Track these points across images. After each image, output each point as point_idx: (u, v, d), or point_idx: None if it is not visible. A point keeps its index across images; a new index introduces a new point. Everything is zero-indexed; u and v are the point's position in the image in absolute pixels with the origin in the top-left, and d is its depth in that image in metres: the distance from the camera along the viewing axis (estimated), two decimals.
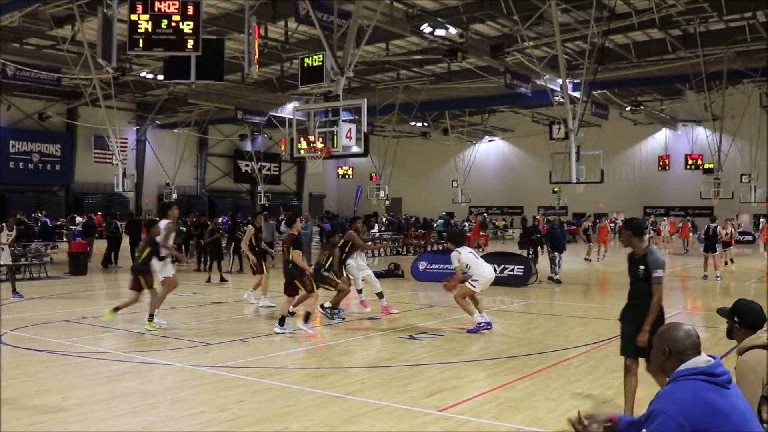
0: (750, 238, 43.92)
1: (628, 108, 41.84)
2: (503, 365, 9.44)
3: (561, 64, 24.31)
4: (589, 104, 30.23)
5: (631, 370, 6.79)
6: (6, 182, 48.06)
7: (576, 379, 8.48)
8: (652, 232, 50.68)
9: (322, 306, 13.21)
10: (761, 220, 41.43)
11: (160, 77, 30.83)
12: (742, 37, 27.74)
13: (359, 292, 14.65)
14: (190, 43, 13.87)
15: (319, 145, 18.04)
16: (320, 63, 18.89)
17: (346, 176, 56.13)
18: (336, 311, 13.32)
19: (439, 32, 25.75)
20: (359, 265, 14.44)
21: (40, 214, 39.89)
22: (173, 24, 13.77)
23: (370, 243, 13.56)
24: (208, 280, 20.09)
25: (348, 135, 17.67)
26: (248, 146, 56.55)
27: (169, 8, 13.75)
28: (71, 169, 51.34)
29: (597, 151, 27.61)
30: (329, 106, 18.84)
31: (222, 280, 20.06)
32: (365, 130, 18.23)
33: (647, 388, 7.85)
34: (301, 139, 18.80)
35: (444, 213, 46.67)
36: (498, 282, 19.36)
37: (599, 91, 35.17)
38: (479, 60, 30.42)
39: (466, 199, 51.89)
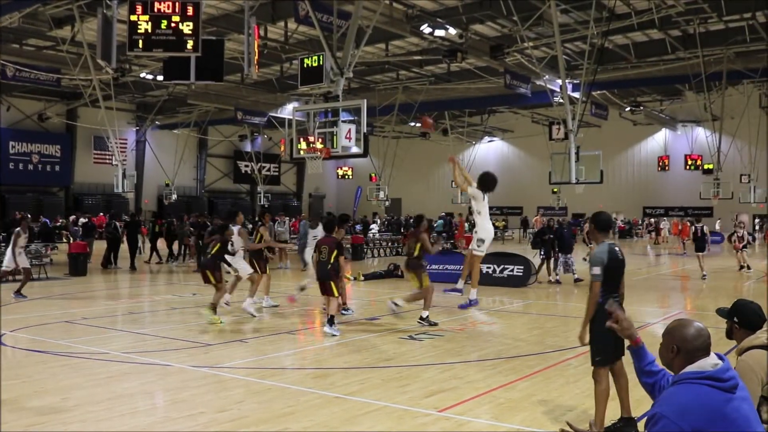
0: (749, 238, 43.90)
1: (628, 108, 41.86)
2: (502, 366, 9.44)
3: (560, 64, 24.30)
4: (589, 105, 30.24)
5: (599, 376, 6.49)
6: (6, 183, 48.00)
7: (575, 380, 8.48)
8: (651, 233, 51.01)
9: (421, 318, 12.84)
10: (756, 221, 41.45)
11: (160, 78, 30.82)
12: (741, 37, 27.74)
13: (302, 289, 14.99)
14: (190, 44, 13.86)
15: (319, 145, 18.02)
16: (320, 63, 18.88)
17: (346, 177, 56.11)
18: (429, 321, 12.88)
19: (439, 33, 25.75)
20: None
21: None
22: (173, 25, 13.76)
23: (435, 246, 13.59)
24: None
25: (348, 135, 17.66)
26: (248, 147, 56.54)
27: (168, 9, 13.74)
28: (71, 169, 51.31)
29: (596, 152, 27.57)
30: (329, 107, 18.82)
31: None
32: (365, 131, 18.21)
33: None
34: (301, 139, 18.78)
35: (444, 213, 46.64)
36: (497, 282, 19.48)
37: (599, 92, 35.19)
38: (479, 60, 30.43)
39: (465, 200, 51.76)
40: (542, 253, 21.33)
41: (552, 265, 20.89)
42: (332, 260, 11.84)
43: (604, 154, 29.06)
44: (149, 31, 13.77)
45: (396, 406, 7.37)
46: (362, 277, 21.26)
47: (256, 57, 17.45)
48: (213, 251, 13.25)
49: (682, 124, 51.88)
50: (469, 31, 27.17)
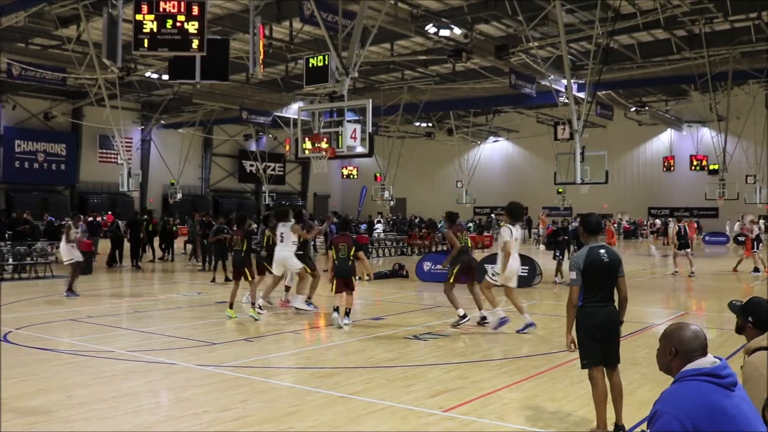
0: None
1: (633, 109, 41.77)
2: (507, 366, 9.43)
3: (566, 64, 24.27)
4: (594, 105, 30.19)
5: (595, 378, 6.46)
6: (11, 181, 48.21)
7: (580, 380, 8.43)
8: (653, 233, 50.93)
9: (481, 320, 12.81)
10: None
11: (165, 77, 30.84)
12: (747, 37, 27.66)
13: (287, 289, 15.19)
14: (195, 43, 13.87)
15: (324, 145, 18.02)
16: (325, 63, 18.90)
17: (351, 176, 56.15)
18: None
19: (444, 33, 25.73)
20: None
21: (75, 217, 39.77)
22: (178, 24, 13.77)
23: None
24: (213, 280, 20.13)
25: (353, 135, 17.65)
26: (253, 146, 56.59)
27: (174, 8, 13.75)
28: (76, 168, 51.41)
29: (602, 152, 27.53)
30: (334, 107, 18.82)
31: (227, 279, 20.05)
32: (370, 131, 18.21)
33: (652, 388, 7.85)
34: (306, 139, 18.79)
35: None
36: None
37: (604, 92, 35.12)
38: (484, 60, 30.41)
39: (470, 200, 51.86)
40: (557, 254, 21.14)
41: (558, 268, 20.80)
42: (351, 257, 12.59)
43: (610, 154, 29.07)
44: (155, 30, 13.78)
45: (400, 406, 7.36)
46: (368, 278, 21.21)
47: (261, 56, 17.45)
48: (244, 248, 13.53)
49: (688, 124, 51.77)
50: (474, 31, 27.14)
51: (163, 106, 44.97)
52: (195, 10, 13.82)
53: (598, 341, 6.37)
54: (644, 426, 6.67)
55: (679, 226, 24.33)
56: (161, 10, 13.73)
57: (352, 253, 12.64)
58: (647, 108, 42.66)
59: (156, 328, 12.57)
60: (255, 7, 17.88)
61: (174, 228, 29.91)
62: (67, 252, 16.91)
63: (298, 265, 13.91)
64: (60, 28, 27.12)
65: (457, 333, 12.00)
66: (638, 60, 30.57)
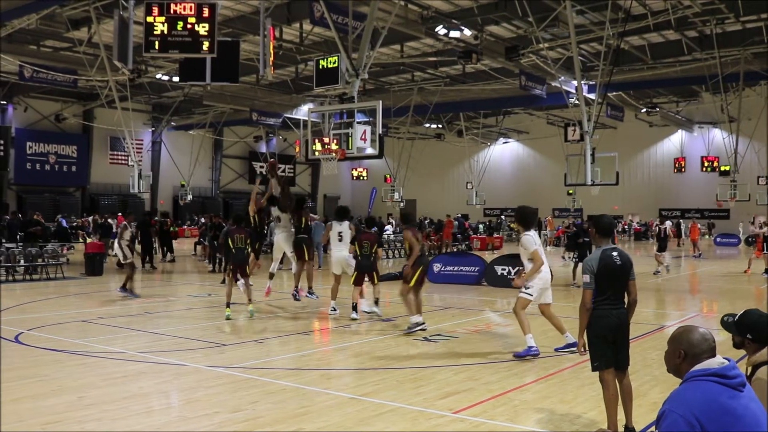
0: None
1: (644, 110, 41.67)
2: (517, 367, 9.42)
3: (576, 65, 24.23)
4: (605, 106, 30.11)
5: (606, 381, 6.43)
6: (23, 183, 48.45)
7: (590, 382, 8.42)
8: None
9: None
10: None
11: (176, 79, 30.97)
12: (758, 38, 27.56)
13: (271, 277, 15.87)
14: (206, 45, 13.90)
15: (334, 146, 18.03)
16: (335, 65, 18.91)
17: (361, 178, 56.13)
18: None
19: (454, 34, 25.72)
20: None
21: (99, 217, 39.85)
22: (189, 26, 13.80)
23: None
24: (223, 281, 20.13)
25: (363, 137, 17.65)
26: (263, 148, 56.73)
27: (184, 10, 13.79)
28: (87, 170, 51.62)
29: (612, 153, 27.47)
30: (344, 108, 18.82)
31: (236, 281, 20.06)
32: (380, 132, 18.20)
33: (663, 390, 7.83)
34: (316, 140, 18.79)
35: (459, 215, 46.59)
36: (511, 284, 19.40)
37: (614, 93, 35.05)
38: (494, 62, 30.38)
39: (480, 201, 51.81)
40: (575, 256, 20.80)
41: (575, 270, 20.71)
42: (373, 253, 13.56)
43: (620, 155, 28.99)
44: (165, 32, 13.82)
45: (410, 408, 7.36)
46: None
47: (272, 58, 17.47)
48: (246, 246, 14.14)
49: (699, 125, 51.61)
50: (484, 33, 27.14)
51: (174, 108, 45.15)
52: (206, 12, 13.85)
53: (609, 343, 6.35)
54: (654, 428, 6.67)
55: (659, 228, 24.57)
56: (172, 12, 13.77)
57: (374, 249, 13.57)
58: (658, 109, 42.54)
59: (167, 329, 12.61)
60: (265, 9, 17.92)
61: (171, 228, 29.90)
62: (127, 252, 17.30)
63: (352, 267, 13.91)
64: (71, 30, 27.25)
65: (467, 334, 11.98)
66: (649, 61, 30.50)
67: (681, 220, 46.17)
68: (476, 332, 12.28)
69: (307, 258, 14.95)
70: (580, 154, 25.18)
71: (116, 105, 30.61)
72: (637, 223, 52.66)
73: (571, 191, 48.58)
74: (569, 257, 21.10)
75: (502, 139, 59.65)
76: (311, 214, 24.56)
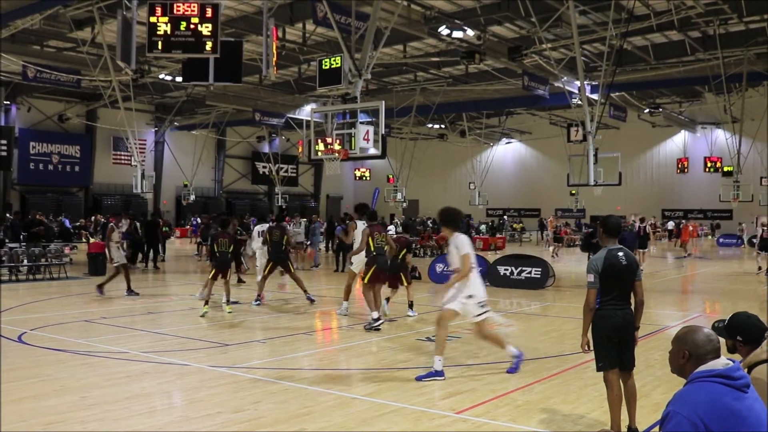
0: None
1: (647, 110, 41.62)
2: (520, 368, 9.40)
3: (579, 66, 24.20)
4: (607, 106, 30.09)
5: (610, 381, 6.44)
6: (26, 183, 48.51)
7: (593, 382, 8.42)
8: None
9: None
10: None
11: (179, 79, 31.02)
12: (762, 38, 27.49)
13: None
14: (209, 46, 13.92)
15: (337, 146, 18.04)
16: (338, 65, 18.92)
17: (364, 178, 56.13)
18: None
19: (457, 34, 25.71)
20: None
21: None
22: (192, 26, 13.83)
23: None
24: (238, 281, 20.16)
25: (365, 137, 17.67)
26: (266, 148, 56.72)
27: (187, 11, 13.82)
28: (90, 170, 51.66)
29: (615, 154, 27.42)
30: (347, 108, 18.83)
31: (239, 281, 20.12)
32: (383, 132, 18.22)
33: (666, 391, 7.82)
34: (319, 140, 18.81)
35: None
36: (515, 284, 19.41)
37: (617, 93, 35.02)
38: (497, 62, 30.36)
39: (483, 201, 51.76)
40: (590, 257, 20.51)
41: None
42: (402, 255, 14.12)
43: (623, 155, 28.94)
44: (168, 32, 13.85)
45: (413, 408, 7.36)
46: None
47: (275, 58, 17.49)
48: (230, 249, 14.60)
49: (702, 125, 51.54)
50: (487, 33, 27.13)
51: (177, 108, 45.23)
52: (208, 13, 13.87)
53: (613, 344, 6.35)
54: (658, 428, 6.66)
55: (638, 225, 24.95)
56: (175, 12, 13.80)
57: (403, 252, 14.14)
58: (661, 109, 42.49)
59: (169, 329, 12.63)
60: (268, 9, 17.91)
61: (165, 228, 29.83)
62: (116, 253, 17.05)
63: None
64: (75, 30, 27.29)
65: (470, 335, 11.97)
66: (652, 61, 30.47)
67: (683, 221, 46.04)
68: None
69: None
70: (583, 155, 25.17)
71: (119, 105, 30.62)
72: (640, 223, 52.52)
73: (573, 191, 48.53)
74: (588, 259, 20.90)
75: (504, 140, 59.59)
76: (312, 215, 24.81)
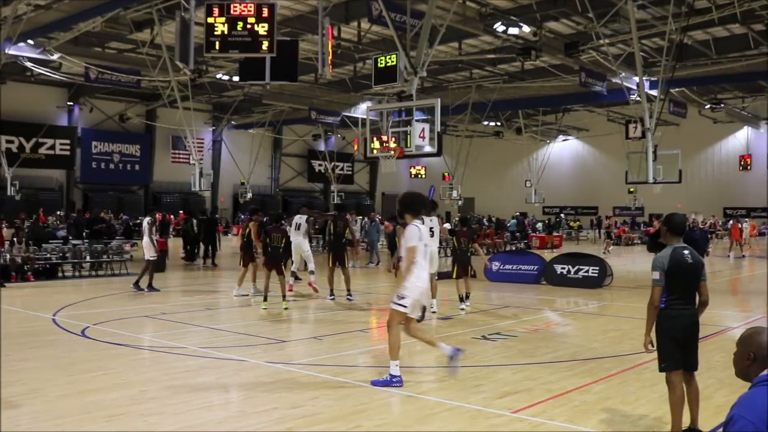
0: None
1: (708, 106, 40.70)
2: (577, 368, 9.30)
3: (638, 61, 23.80)
4: (667, 102, 29.51)
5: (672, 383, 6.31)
6: (89, 182, 49.70)
7: (652, 384, 8.27)
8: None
9: None
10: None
11: (236, 79, 31.34)
12: None
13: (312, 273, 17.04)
14: (265, 45, 14.05)
15: (393, 144, 18.05)
16: (393, 63, 18.93)
17: (419, 176, 56.09)
18: None
19: (513, 31, 25.52)
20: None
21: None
22: (248, 26, 13.98)
23: None
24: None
25: (421, 135, 17.64)
26: (322, 146, 57.05)
27: (244, 11, 13.97)
28: (150, 168, 52.65)
29: (675, 151, 26.92)
30: (402, 106, 18.85)
31: (295, 278, 20.24)
32: (438, 130, 18.17)
33: (728, 393, 7.65)
34: (375, 138, 18.85)
35: (517, 213, 46.23)
36: (572, 283, 19.19)
37: (677, 89, 34.29)
38: (553, 58, 30.04)
39: (539, 200, 51.31)
40: None
41: None
42: (469, 248, 15.02)
43: (683, 153, 28.39)
44: (226, 32, 14.03)
45: (469, 407, 7.32)
46: (436, 276, 21.21)
47: (330, 57, 17.58)
48: (282, 244, 14.97)
49: (766, 121, 50.25)
50: (543, 29, 26.84)
51: (234, 107, 45.76)
52: (265, 12, 14.00)
53: (679, 344, 6.23)
54: (720, 431, 6.51)
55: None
56: (232, 12, 13.96)
57: (470, 245, 15.12)
58: (723, 105, 41.51)
59: (227, 325, 12.79)
60: (324, 8, 18.01)
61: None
62: (150, 247, 17.36)
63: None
64: (134, 32, 27.85)
65: (527, 334, 11.88)
66: (713, 56, 29.79)
67: (731, 220, 44.90)
68: (535, 331, 12.17)
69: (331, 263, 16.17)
70: (642, 152, 24.75)
71: (178, 105, 31.12)
72: (701, 222, 51.54)
73: (632, 189, 47.75)
74: None
75: (561, 137, 58.94)
76: (371, 213, 24.97)
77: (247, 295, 16.53)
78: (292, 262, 18.39)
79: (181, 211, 38.92)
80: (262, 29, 14.01)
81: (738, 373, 3.49)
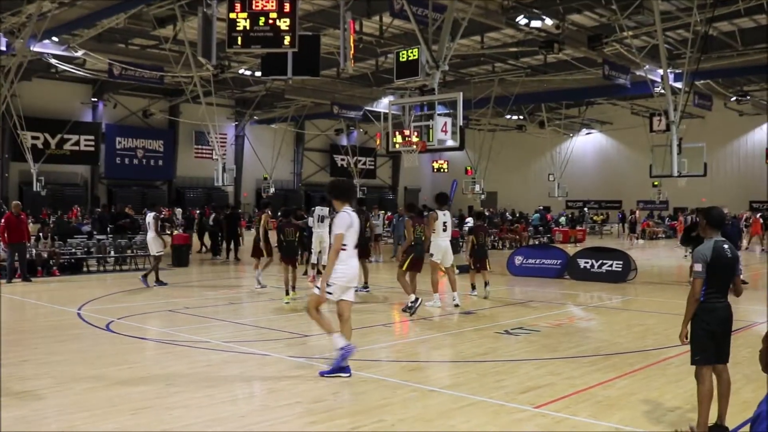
0: None
1: (734, 98, 40.26)
2: (601, 363, 9.25)
3: (662, 53, 23.58)
4: (692, 95, 29.26)
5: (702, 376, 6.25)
6: (113, 177, 50.13)
7: (677, 379, 8.22)
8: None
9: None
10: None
11: (258, 74, 31.49)
12: None
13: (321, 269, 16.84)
14: (287, 40, 14.09)
15: (415, 139, 18.03)
16: (415, 57, 18.91)
17: (441, 170, 55.89)
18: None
19: (535, 24, 25.37)
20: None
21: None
22: (270, 21, 14.02)
23: None
24: (305, 273, 20.37)
25: (443, 129, 17.60)
26: (344, 141, 57.14)
27: (266, 6, 14.01)
28: (173, 164, 53.03)
29: (700, 144, 26.62)
30: (424, 100, 18.79)
31: (318, 272, 20.27)
32: (461, 124, 18.12)
33: (755, 389, 7.58)
34: (397, 133, 18.83)
35: (540, 207, 46.01)
36: (596, 278, 19.08)
37: (702, 81, 33.94)
38: (576, 51, 29.86)
39: (562, 193, 51.04)
40: (690, 251, 18.71)
41: None
42: (483, 242, 15.78)
43: (708, 145, 28.11)
44: (248, 28, 14.08)
45: (491, 401, 7.31)
46: (457, 270, 21.18)
47: (352, 51, 17.59)
48: (296, 238, 15.41)
49: None
50: (566, 22, 26.68)
51: (256, 102, 45.93)
52: (286, 7, 14.03)
53: (715, 338, 6.19)
54: (747, 427, 6.45)
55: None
56: (254, 7, 14.01)
57: (486, 239, 16.07)
58: (749, 97, 41.01)
59: (250, 319, 12.85)
60: (345, 3, 18.02)
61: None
62: (157, 243, 17.48)
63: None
64: (157, 28, 28.02)
65: (549, 328, 11.83)
66: (739, 47, 29.44)
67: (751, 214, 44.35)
68: (558, 326, 12.11)
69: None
70: (666, 145, 24.52)
71: (201, 100, 31.27)
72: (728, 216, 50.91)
73: (656, 183, 47.33)
74: (685, 254, 19.62)
75: (584, 130, 58.54)
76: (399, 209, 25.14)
77: (265, 286, 16.85)
78: (310, 254, 18.50)
79: (205, 206, 39.19)
80: (284, 24, 14.04)
81: (765, 368, 3.46)
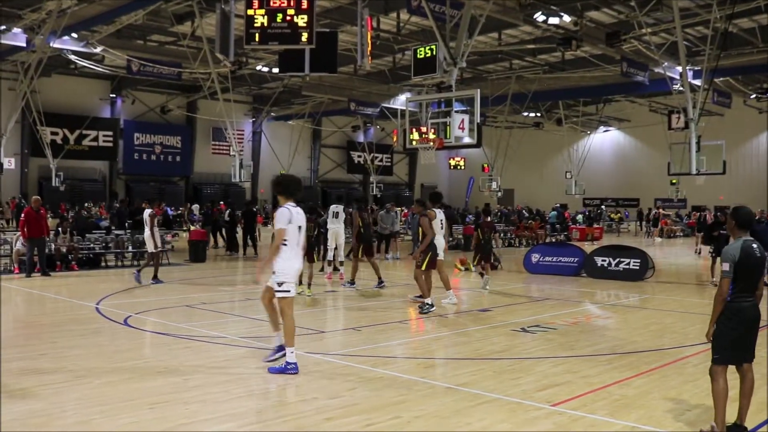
0: None
1: (753, 96, 39.97)
2: (618, 361, 9.21)
3: (681, 50, 23.46)
4: (711, 92, 29.06)
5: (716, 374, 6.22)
6: (131, 173, 50.42)
7: (694, 378, 8.18)
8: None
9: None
10: None
11: (275, 70, 31.56)
12: None
13: (338, 266, 17.88)
14: (305, 37, 14.11)
15: (432, 136, 18.03)
16: (433, 54, 18.91)
17: (458, 167, 55.85)
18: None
19: (553, 20, 25.30)
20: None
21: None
22: (288, 18, 14.05)
23: None
24: (322, 269, 20.41)
25: (461, 126, 17.61)
26: (361, 137, 57.20)
27: (283, 2, 14.04)
28: (191, 160, 53.24)
29: (719, 141, 26.54)
30: (442, 97, 18.80)
31: (335, 269, 20.31)
32: (478, 121, 18.12)
33: None
34: (414, 130, 18.84)
35: (557, 204, 45.89)
36: (613, 276, 19.00)
37: (721, 79, 33.71)
38: (594, 48, 29.72)
39: (580, 191, 50.85)
40: (713, 251, 18.26)
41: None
42: (491, 238, 16.55)
43: (727, 143, 27.98)
44: (265, 24, 14.12)
45: (508, 399, 7.30)
46: (473, 268, 21.15)
47: (369, 48, 17.60)
48: (313, 233, 15.47)
49: None
50: (584, 18, 26.57)
51: (274, 99, 46.07)
52: (304, 4, 14.06)
53: (742, 339, 6.16)
54: (766, 428, 6.42)
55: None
56: (271, 4, 14.04)
57: (492, 235, 16.65)
58: None
59: (266, 315, 12.87)
60: (362, 0, 18.02)
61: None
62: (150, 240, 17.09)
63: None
64: (175, 24, 28.15)
65: (566, 326, 11.80)
66: (759, 44, 29.20)
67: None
68: (575, 324, 12.08)
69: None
70: (685, 143, 24.44)
71: (218, 96, 31.42)
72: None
73: (674, 181, 47.08)
74: (709, 252, 19.20)
75: (602, 128, 58.31)
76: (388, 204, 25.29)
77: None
78: (326, 250, 18.53)
79: (221, 202, 39.31)
80: (301, 21, 14.07)
81: None
